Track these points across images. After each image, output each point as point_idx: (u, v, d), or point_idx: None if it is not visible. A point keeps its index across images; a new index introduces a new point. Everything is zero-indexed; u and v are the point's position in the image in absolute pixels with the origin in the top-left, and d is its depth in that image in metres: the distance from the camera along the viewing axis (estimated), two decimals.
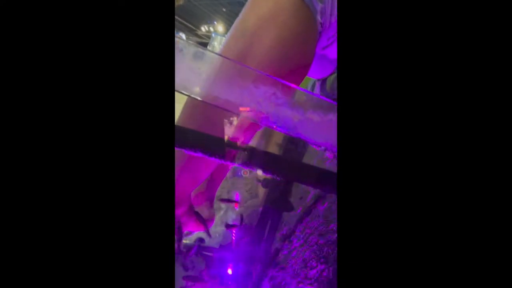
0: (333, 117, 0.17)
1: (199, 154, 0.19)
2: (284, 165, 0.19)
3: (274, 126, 0.18)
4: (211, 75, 0.18)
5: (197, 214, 0.36)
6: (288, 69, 0.29)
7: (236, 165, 0.20)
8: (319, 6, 0.29)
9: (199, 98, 0.18)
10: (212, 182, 0.40)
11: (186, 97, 0.30)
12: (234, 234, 0.51)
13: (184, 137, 0.19)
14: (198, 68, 0.18)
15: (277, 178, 0.20)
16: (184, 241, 0.46)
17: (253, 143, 0.24)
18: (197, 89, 0.18)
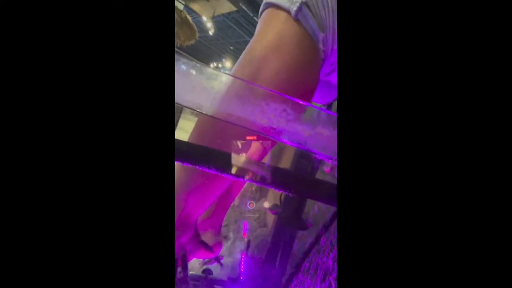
0: None
1: (212, 170, 0.20)
2: (297, 180, 0.19)
3: (286, 140, 0.18)
4: (224, 93, 0.19)
5: (203, 243, 0.35)
6: (294, 94, 0.31)
7: (247, 181, 0.20)
8: (320, 36, 0.31)
9: (212, 115, 0.18)
10: (218, 209, 0.40)
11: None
12: (243, 265, 0.48)
13: (195, 153, 0.20)
14: (212, 88, 0.19)
15: (290, 194, 0.20)
16: (191, 272, 0.44)
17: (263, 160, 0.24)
18: (210, 107, 0.19)
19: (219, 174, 0.20)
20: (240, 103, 0.19)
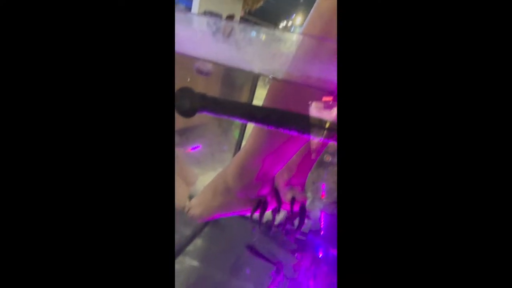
0: None
1: (293, 133, 0.21)
2: None
3: None
4: (299, 55, 0.19)
5: (279, 196, 0.39)
6: None
7: (326, 141, 0.20)
8: None
9: (287, 79, 0.19)
10: (302, 167, 0.42)
11: None
12: (322, 221, 0.51)
13: (273, 117, 0.21)
14: (286, 50, 0.19)
15: None
16: (278, 217, 0.49)
17: None
18: (284, 70, 0.20)
19: (299, 135, 0.21)
20: (315, 62, 0.19)
